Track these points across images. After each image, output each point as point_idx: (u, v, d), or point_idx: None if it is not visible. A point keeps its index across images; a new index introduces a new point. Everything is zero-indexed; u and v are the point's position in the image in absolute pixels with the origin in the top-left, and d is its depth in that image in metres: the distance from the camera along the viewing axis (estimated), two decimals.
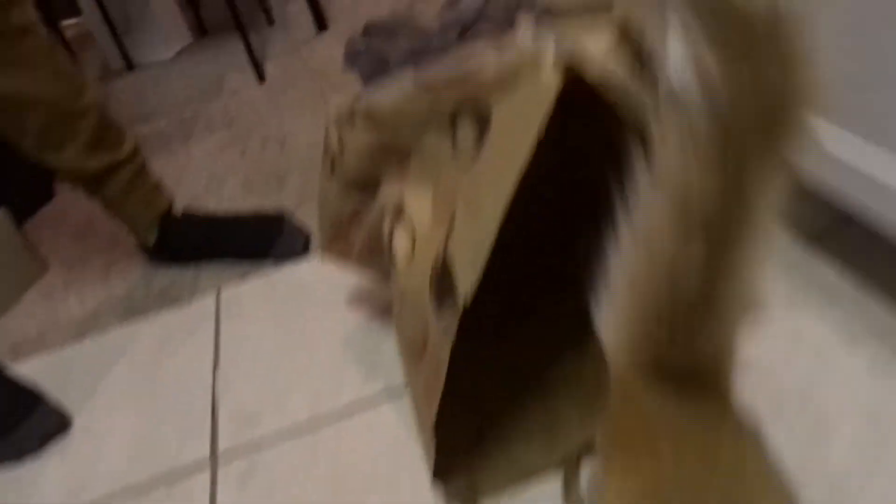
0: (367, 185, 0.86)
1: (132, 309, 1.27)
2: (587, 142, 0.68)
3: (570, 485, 0.77)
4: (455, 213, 0.63)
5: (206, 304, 1.23)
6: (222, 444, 0.95)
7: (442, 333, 0.63)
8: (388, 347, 1.02)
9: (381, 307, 1.09)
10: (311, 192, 1.45)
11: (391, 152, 0.78)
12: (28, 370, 1.15)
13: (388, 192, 0.77)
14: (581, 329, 0.65)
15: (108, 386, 1.10)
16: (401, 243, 0.72)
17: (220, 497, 0.88)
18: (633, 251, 0.41)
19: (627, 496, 0.43)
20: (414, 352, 0.73)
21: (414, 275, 0.69)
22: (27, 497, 0.95)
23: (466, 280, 0.58)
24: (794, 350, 0.85)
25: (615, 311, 0.44)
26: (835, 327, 0.86)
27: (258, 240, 1.31)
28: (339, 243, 0.97)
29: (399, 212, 0.74)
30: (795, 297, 0.91)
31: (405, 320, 0.74)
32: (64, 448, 1.01)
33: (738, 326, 0.43)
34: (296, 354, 1.07)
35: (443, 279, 0.62)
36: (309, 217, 1.35)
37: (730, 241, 0.39)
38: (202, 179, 1.64)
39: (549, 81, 0.51)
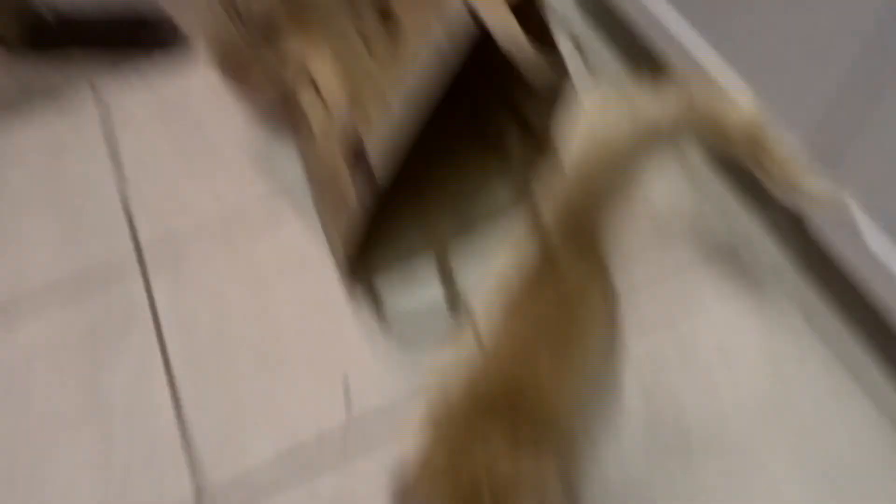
0: (263, 28, 0.94)
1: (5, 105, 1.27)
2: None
3: (443, 266, 1.02)
4: (369, 101, 0.76)
5: (87, 104, 1.26)
6: (144, 244, 1.09)
7: (355, 190, 0.80)
8: (277, 148, 1.16)
9: (262, 112, 1.19)
10: None
11: (292, 5, 0.86)
12: None
13: (295, 49, 0.87)
14: (454, 153, 0.86)
15: (10, 194, 1.16)
16: (315, 112, 0.85)
17: (153, 282, 1.05)
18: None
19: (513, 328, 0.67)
20: (322, 186, 0.90)
21: (329, 141, 0.83)
22: None
23: (383, 166, 0.74)
24: None
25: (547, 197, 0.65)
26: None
27: (127, 29, 1.31)
28: (232, 66, 1.05)
29: (306, 74, 0.85)
30: None
31: (317, 166, 0.89)
32: None
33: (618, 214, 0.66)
34: (193, 157, 1.18)
35: (358, 158, 0.77)
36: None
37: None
38: None
39: (458, 11, 0.64)
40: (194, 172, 1.16)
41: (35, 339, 1.01)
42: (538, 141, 1.00)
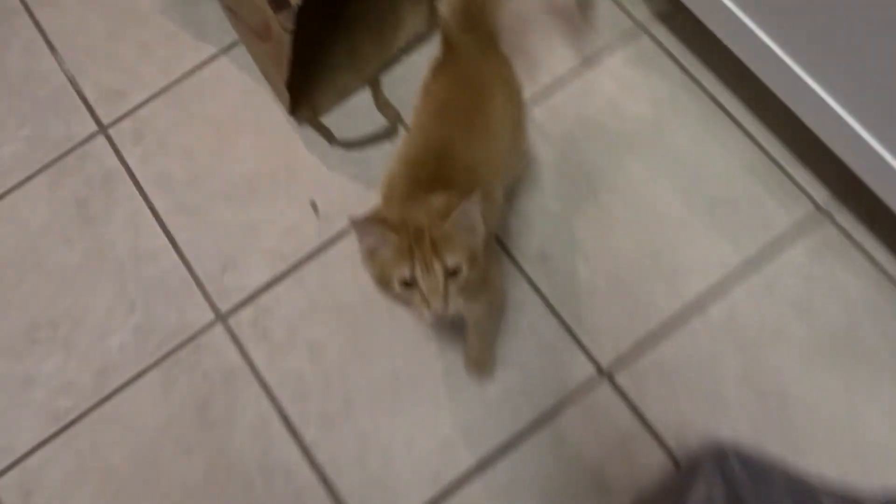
0: None
1: None
2: None
3: (377, 94, 1.17)
4: None
5: None
6: (104, 118, 1.20)
7: (282, 26, 0.93)
8: (204, 11, 1.25)
9: None
10: None
11: None
12: None
13: None
14: None
15: None
16: None
17: (124, 153, 1.18)
18: None
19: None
20: (258, 34, 1.02)
21: None
22: None
23: None
24: None
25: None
26: None
27: None
28: None
29: None
30: None
31: (245, 12, 1.01)
32: None
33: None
34: (124, 30, 1.25)
35: None
36: None
37: None
38: None
39: None
40: (130, 44, 1.24)
41: (34, 219, 1.15)
42: None
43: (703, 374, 1.01)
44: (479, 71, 0.88)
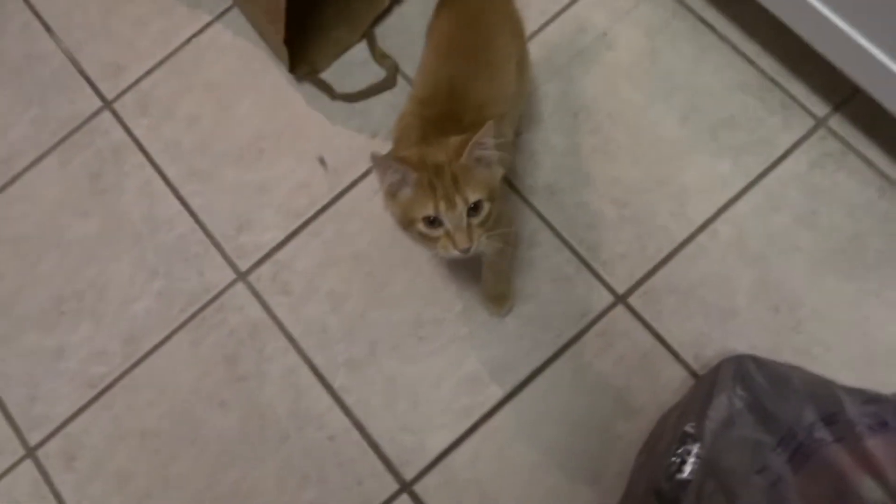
0: None
1: None
2: None
3: (372, 46, 1.19)
4: None
5: None
6: (107, 93, 1.22)
7: None
8: None
9: None
10: None
11: None
12: None
13: None
14: None
15: None
16: None
17: (130, 126, 1.19)
18: None
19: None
20: None
21: None
22: None
23: None
24: None
25: None
26: None
27: None
28: None
29: None
30: None
31: None
32: None
33: None
34: (118, 5, 1.27)
35: None
36: None
37: None
38: None
39: None
40: (125, 19, 1.25)
41: (49, 196, 1.17)
42: None
43: (716, 291, 1.04)
44: (482, 7, 0.89)
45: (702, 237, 1.06)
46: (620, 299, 1.05)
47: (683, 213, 1.07)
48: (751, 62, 1.13)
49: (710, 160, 1.09)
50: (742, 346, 1.01)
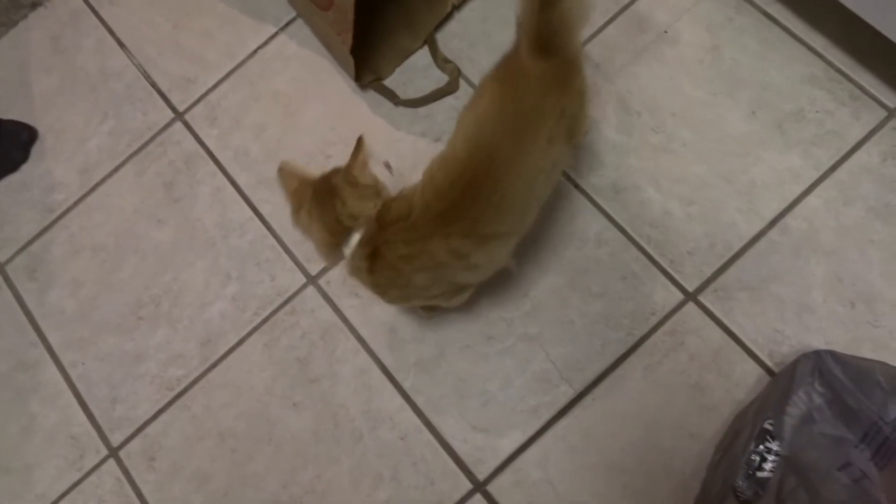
0: None
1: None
2: None
3: (434, 52, 1.20)
4: None
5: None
6: (179, 105, 1.26)
7: None
8: None
9: None
10: None
11: None
12: None
13: None
14: None
15: (36, 91, 1.31)
16: None
17: (201, 136, 1.23)
18: None
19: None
20: (320, 4, 1.06)
21: None
22: (48, 191, 1.24)
23: None
24: None
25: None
26: None
27: None
28: None
29: None
30: None
31: None
32: (47, 149, 1.27)
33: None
34: (186, 20, 1.31)
35: None
36: None
37: None
38: None
39: None
40: (194, 33, 1.29)
41: (126, 205, 1.21)
42: None
43: (789, 286, 1.02)
44: (535, 100, 0.80)
45: (772, 233, 1.05)
46: (690, 297, 1.04)
47: (753, 208, 1.06)
48: (818, 55, 1.11)
49: (778, 155, 1.08)
50: (818, 342, 1.00)
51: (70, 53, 1.32)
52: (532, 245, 1.08)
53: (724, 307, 1.03)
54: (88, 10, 1.34)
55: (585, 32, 1.18)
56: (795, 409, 0.92)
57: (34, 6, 1.36)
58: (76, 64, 1.31)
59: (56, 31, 1.34)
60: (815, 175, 1.06)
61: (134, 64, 1.29)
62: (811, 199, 1.06)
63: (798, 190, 1.06)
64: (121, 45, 1.31)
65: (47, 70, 1.32)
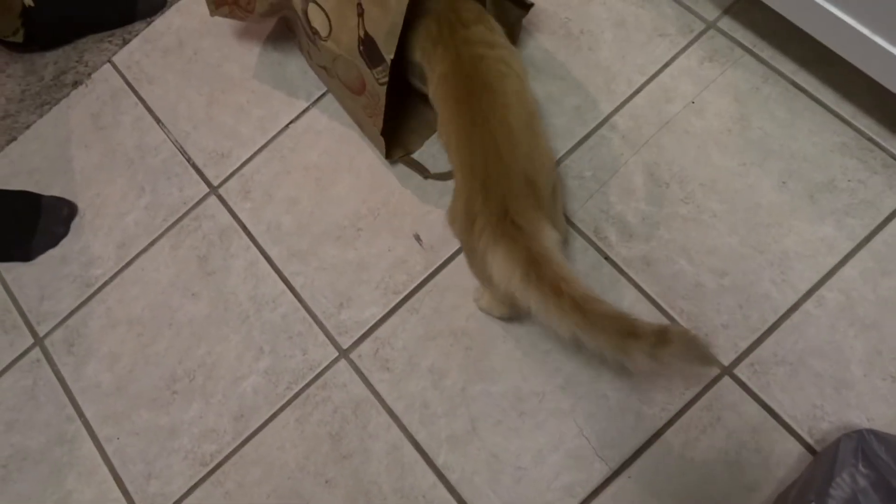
0: None
1: (41, 101, 1.42)
2: None
3: None
4: (361, 1, 0.94)
5: (107, 76, 1.41)
6: (213, 179, 1.29)
7: (377, 80, 1.00)
8: (291, 69, 1.33)
9: (266, 35, 1.36)
10: None
11: None
12: None
13: None
14: None
15: (77, 166, 1.35)
16: (318, 20, 1.02)
17: (235, 210, 1.26)
18: None
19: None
20: (353, 88, 1.09)
21: (340, 43, 1.01)
22: (87, 265, 1.27)
23: (389, 49, 0.94)
24: None
25: None
26: None
27: (118, 2, 1.43)
28: (227, 4, 1.21)
29: None
30: None
31: (341, 71, 1.07)
32: (86, 223, 1.30)
33: None
34: (220, 96, 1.35)
35: (370, 49, 0.96)
36: None
37: None
38: None
39: None
40: (228, 109, 1.33)
41: (161, 279, 1.24)
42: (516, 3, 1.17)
43: (827, 360, 1.00)
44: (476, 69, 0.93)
45: (808, 305, 1.04)
46: (726, 371, 1.02)
47: (787, 280, 1.05)
48: (848, 123, 1.11)
49: (811, 225, 1.07)
50: (859, 419, 0.97)
51: (109, 130, 1.36)
52: None
53: (760, 382, 1.01)
54: (127, 88, 1.39)
55: (611, 104, 1.19)
56: (839, 491, 0.90)
57: (75, 84, 1.42)
58: (115, 140, 1.35)
59: (96, 109, 1.39)
60: (850, 245, 1.05)
61: (170, 139, 1.33)
62: (847, 270, 1.04)
63: (833, 261, 1.05)
64: (158, 121, 1.35)
65: (87, 146, 1.36)
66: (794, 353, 1.02)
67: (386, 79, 0.99)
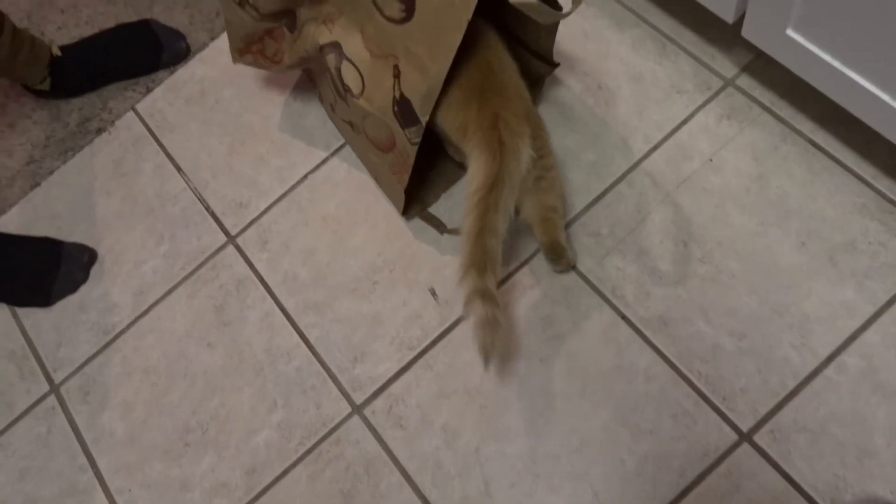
0: (280, 14, 1.11)
1: (65, 148, 1.45)
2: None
3: None
4: (398, 63, 0.95)
5: (130, 123, 1.44)
6: (231, 229, 1.30)
7: (409, 140, 1.00)
8: (311, 120, 1.34)
9: (287, 86, 1.38)
10: None
11: None
12: (15, 226, 1.38)
13: (319, 32, 1.04)
14: None
15: (98, 213, 1.37)
16: (351, 77, 1.03)
17: (252, 260, 1.26)
18: None
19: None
20: (381, 146, 1.09)
21: (373, 102, 1.02)
22: (105, 312, 1.28)
23: (425, 112, 0.95)
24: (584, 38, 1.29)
25: None
26: (608, 21, 1.30)
27: (143, 52, 1.46)
28: (251, 52, 1.22)
29: (339, 50, 1.03)
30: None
31: (370, 128, 1.08)
32: (105, 270, 1.32)
33: None
34: (241, 146, 1.36)
35: (404, 110, 0.97)
36: (169, 13, 1.50)
37: None
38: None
39: None
40: (248, 158, 1.35)
41: (177, 328, 1.24)
42: (541, 58, 1.18)
43: (849, 428, 0.98)
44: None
45: (829, 370, 1.02)
46: (745, 437, 1.01)
47: (806, 343, 1.04)
48: (868, 184, 1.10)
49: (831, 287, 1.06)
50: (883, 490, 0.95)
51: (131, 177, 1.38)
52: (579, 378, 1.07)
53: (780, 449, 0.99)
54: (150, 136, 1.41)
55: (628, 160, 1.19)
56: None
57: (99, 132, 1.44)
58: (136, 187, 1.37)
59: (118, 156, 1.41)
60: (872, 310, 1.04)
61: (190, 188, 1.35)
62: (869, 335, 1.03)
63: (854, 325, 1.03)
64: (178, 169, 1.37)
65: (109, 193, 1.38)
66: (815, 420, 1.00)
67: (418, 139, 0.99)
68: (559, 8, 0.99)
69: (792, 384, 1.02)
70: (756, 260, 1.09)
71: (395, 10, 0.93)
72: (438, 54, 0.89)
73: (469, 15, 0.85)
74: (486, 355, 0.94)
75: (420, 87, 0.94)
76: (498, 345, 0.94)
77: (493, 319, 0.92)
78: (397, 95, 0.98)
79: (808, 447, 0.99)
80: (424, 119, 0.96)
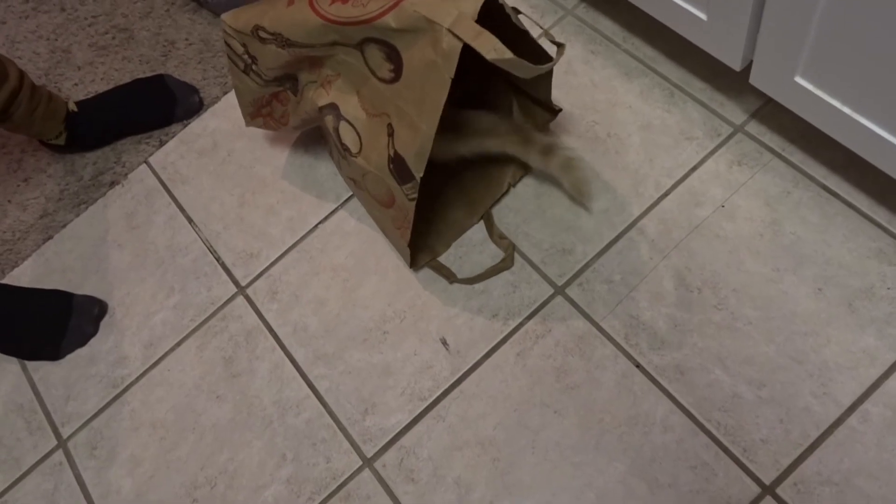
0: (283, 79, 1.13)
1: (78, 201, 1.46)
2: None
3: (490, 228, 1.23)
4: (391, 122, 0.96)
5: (143, 176, 1.45)
6: (241, 280, 1.30)
7: (406, 196, 1.01)
8: (321, 171, 1.35)
9: (296, 142, 1.39)
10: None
11: (304, 60, 1.05)
12: (27, 279, 1.38)
13: (317, 94, 1.06)
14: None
15: (109, 265, 1.37)
16: (349, 137, 1.05)
17: (262, 310, 1.26)
18: None
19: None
20: (382, 202, 1.10)
21: (370, 161, 1.03)
22: (114, 365, 1.28)
23: (419, 169, 0.96)
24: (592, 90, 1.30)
25: None
26: (615, 70, 1.31)
27: (157, 106, 1.49)
28: (262, 116, 1.25)
29: (336, 111, 1.04)
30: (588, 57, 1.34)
31: (370, 185, 1.09)
32: (115, 322, 1.31)
33: None
34: (251, 197, 1.37)
35: (399, 167, 0.98)
36: (183, 68, 1.53)
37: None
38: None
39: (452, 44, 0.84)
40: (258, 209, 1.35)
41: (186, 381, 1.23)
42: (542, 105, 1.19)
43: (876, 481, 0.95)
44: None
45: (852, 420, 0.99)
46: (768, 490, 0.97)
47: (828, 392, 1.01)
48: (883, 229, 1.09)
49: (850, 335, 1.04)
50: None
51: (142, 230, 1.39)
52: (594, 429, 1.05)
53: (805, 503, 0.96)
54: (162, 189, 1.43)
55: (640, 207, 1.19)
56: None
57: (112, 184, 1.46)
58: (147, 239, 1.38)
59: (131, 208, 1.42)
60: (894, 357, 1.01)
61: (201, 239, 1.35)
62: (891, 383, 1.00)
63: (876, 373, 1.01)
64: (190, 221, 1.38)
65: (121, 245, 1.38)
66: (840, 472, 0.96)
67: (415, 195, 1.00)
68: (548, 58, 0.99)
69: (814, 434, 0.99)
70: (772, 306, 1.08)
71: (385, 70, 0.95)
72: (425, 112, 0.90)
73: (451, 73, 0.86)
74: (586, 191, 1.15)
75: (412, 145, 0.95)
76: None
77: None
78: (392, 153, 0.99)
79: (833, 501, 0.95)
80: (419, 175, 0.97)
